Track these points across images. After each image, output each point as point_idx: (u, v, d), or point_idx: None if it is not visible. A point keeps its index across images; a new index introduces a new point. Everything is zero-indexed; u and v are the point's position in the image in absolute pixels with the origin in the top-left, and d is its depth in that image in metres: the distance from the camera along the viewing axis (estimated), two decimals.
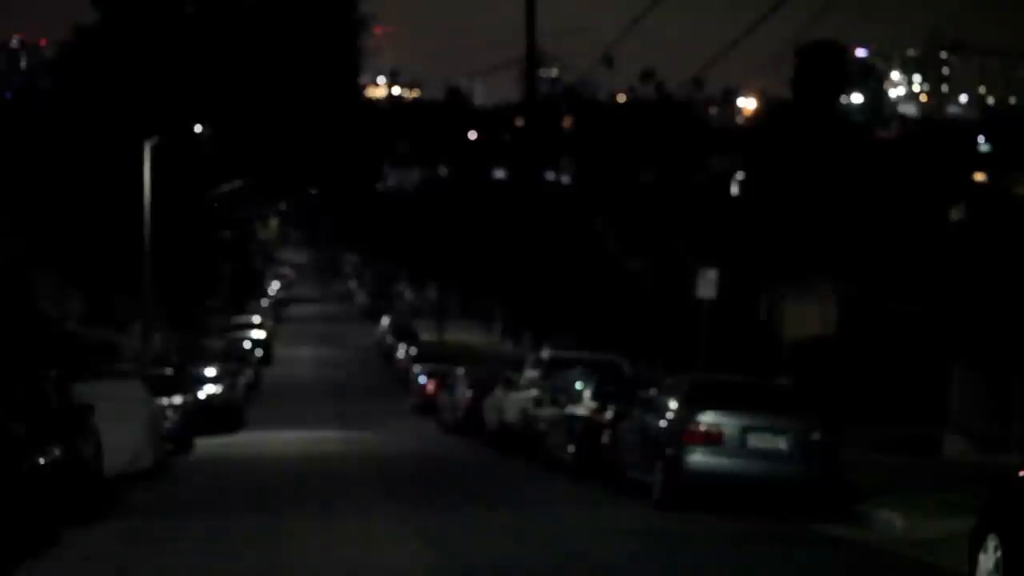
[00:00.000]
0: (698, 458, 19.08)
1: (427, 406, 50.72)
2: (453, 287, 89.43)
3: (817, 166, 54.16)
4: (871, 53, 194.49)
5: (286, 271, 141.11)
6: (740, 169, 64.64)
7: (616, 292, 52.39)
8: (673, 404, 20.27)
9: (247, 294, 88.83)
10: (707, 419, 19.21)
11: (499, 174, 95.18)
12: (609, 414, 24.12)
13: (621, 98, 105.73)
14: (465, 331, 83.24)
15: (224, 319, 73.65)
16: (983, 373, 28.92)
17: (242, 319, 78.92)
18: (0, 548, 14.02)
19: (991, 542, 11.29)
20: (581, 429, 25.19)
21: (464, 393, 41.16)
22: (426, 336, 76.95)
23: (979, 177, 64.00)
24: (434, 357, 59.41)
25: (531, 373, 33.99)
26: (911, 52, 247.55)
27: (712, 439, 19.11)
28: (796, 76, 65.81)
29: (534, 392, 31.42)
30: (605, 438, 23.53)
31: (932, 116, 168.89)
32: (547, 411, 28.76)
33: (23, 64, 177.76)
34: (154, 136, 44.52)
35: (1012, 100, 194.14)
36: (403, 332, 77.39)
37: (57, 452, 17.13)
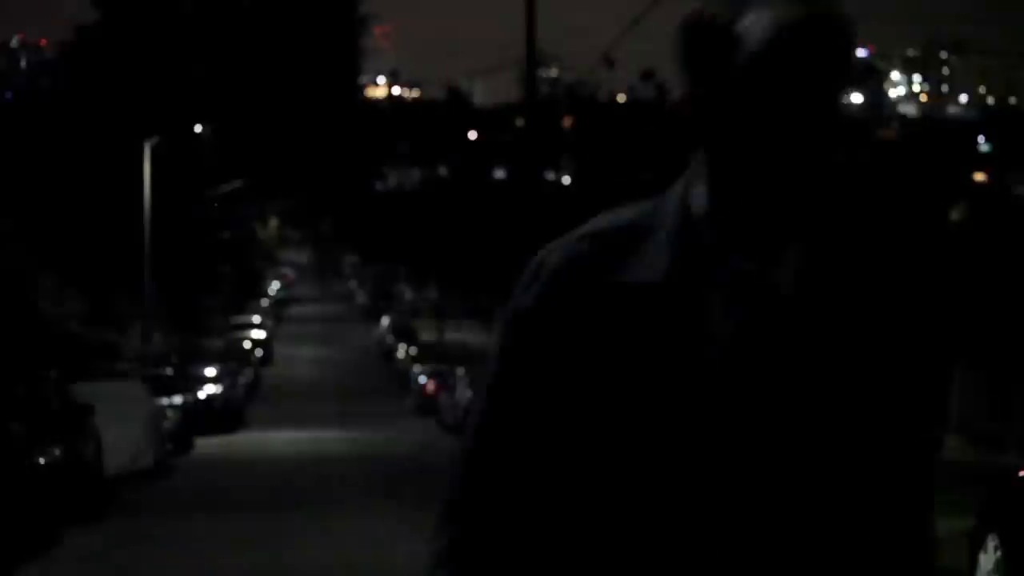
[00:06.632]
0: None
1: (427, 406, 50.65)
2: (453, 287, 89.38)
3: None
4: (871, 53, 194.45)
5: (286, 271, 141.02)
6: None
7: None
8: None
9: (247, 294, 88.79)
10: None
11: (499, 174, 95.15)
12: None
13: (621, 98, 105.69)
14: (465, 331, 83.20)
15: (224, 319, 73.63)
16: (983, 373, 28.96)
17: (242, 319, 78.91)
18: (0, 548, 14.03)
19: (991, 542, 11.30)
20: None
21: (464, 393, 41.12)
22: (426, 336, 76.95)
23: (979, 177, 63.95)
24: (434, 357, 59.42)
25: None
26: (911, 52, 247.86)
27: None
28: None
29: None
30: None
31: (932, 116, 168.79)
32: None
33: (23, 64, 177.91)
34: (154, 136, 44.54)
35: (1012, 100, 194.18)
36: (403, 332, 77.40)
37: (57, 452, 17.15)
